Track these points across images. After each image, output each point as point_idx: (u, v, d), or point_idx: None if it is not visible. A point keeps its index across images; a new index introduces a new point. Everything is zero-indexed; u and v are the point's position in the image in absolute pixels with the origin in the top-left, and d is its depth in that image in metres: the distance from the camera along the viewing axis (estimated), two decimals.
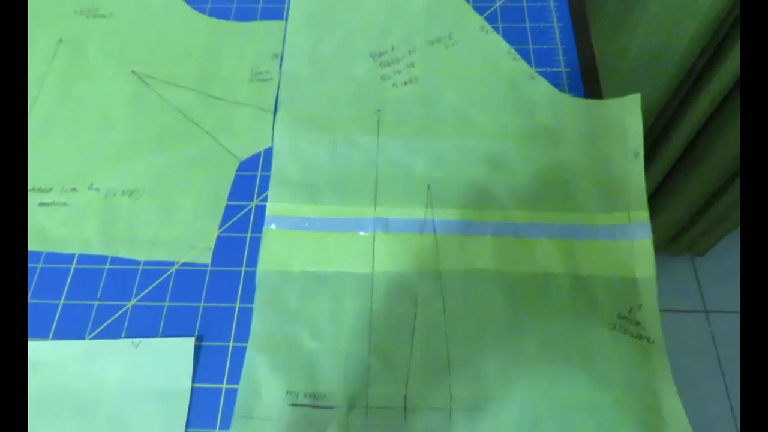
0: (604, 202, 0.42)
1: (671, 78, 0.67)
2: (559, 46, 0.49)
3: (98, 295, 0.40)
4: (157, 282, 0.41)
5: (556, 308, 0.38)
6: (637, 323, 0.38)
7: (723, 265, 1.14)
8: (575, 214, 0.41)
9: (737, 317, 1.11)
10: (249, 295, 0.40)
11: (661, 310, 0.37)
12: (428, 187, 0.43)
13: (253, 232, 0.42)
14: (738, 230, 1.00)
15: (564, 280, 0.39)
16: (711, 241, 1.03)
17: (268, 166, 0.45)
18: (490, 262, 0.40)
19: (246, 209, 0.43)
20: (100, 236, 0.42)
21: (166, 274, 0.41)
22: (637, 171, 0.42)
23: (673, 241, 1.04)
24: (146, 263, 0.41)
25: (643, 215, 0.41)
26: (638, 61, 0.68)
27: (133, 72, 0.49)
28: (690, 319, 1.10)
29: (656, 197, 0.93)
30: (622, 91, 0.45)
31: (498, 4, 0.52)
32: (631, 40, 0.67)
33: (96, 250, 0.42)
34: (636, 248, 0.40)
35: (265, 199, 0.43)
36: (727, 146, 0.74)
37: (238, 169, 0.45)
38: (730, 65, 0.62)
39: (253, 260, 0.41)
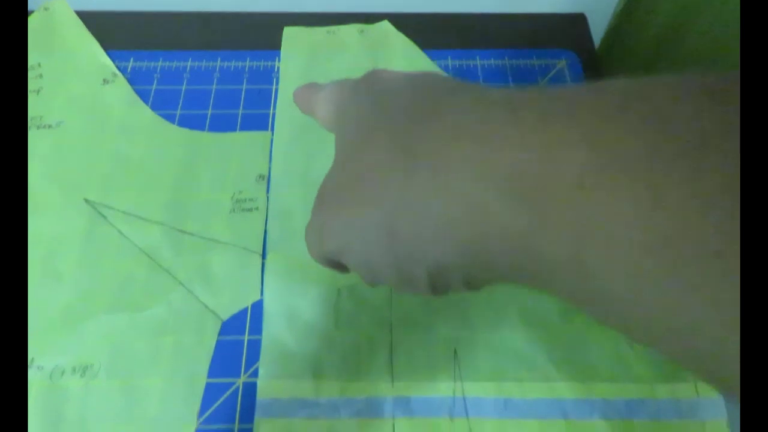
0: (663, 368, 0.35)
1: None
2: None
3: None
4: None
5: None
6: None
7: None
8: (632, 384, 0.35)
9: None
10: None
11: None
12: (455, 351, 0.36)
13: (241, 421, 0.34)
14: None
15: None
16: None
17: (257, 327, 0.36)
18: None
19: (232, 389, 0.35)
20: None
21: None
22: None
23: None
24: None
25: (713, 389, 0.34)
26: None
27: (86, 201, 0.41)
28: None
29: None
30: None
31: None
32: None
33: None
34: (708, 430, 0.33)
35: (255, 374, 0.35)
36: None
37: (220, 333, 0.36)
38: None
39: None
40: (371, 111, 0.20)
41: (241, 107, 0.46)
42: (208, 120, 0.45)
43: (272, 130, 0.44)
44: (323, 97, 0.25)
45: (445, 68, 0.48)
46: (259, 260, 0.39)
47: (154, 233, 0.39)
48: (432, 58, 0.48)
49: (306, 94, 0.27)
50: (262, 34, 0.50)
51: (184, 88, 0.47)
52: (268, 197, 0.41)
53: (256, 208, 0.41)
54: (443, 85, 0.20)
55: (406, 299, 0.37)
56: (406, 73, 0.22)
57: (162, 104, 0.46)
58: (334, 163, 0.22)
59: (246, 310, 0.37)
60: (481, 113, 0.17)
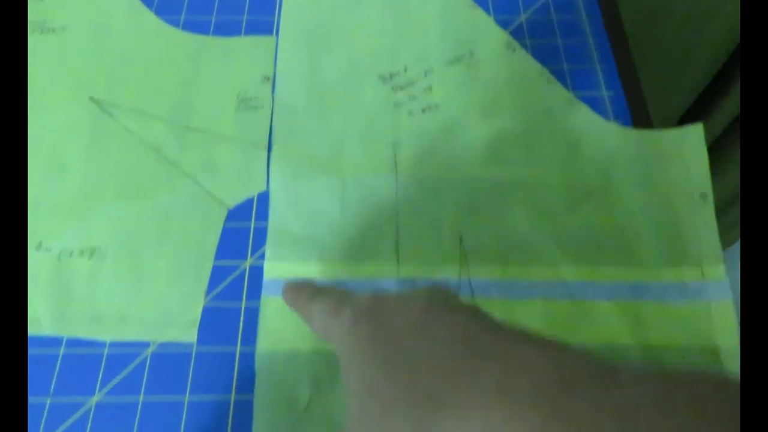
0: (670, 253, 0.35)
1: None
2: (598, 66, 0.43)
3: (51, 390, 0.31)
4: (127, 370, 0.32)
5: None
6: None
7: None
8: (638, 269, 0.35)
9: None
10: (247, 383, 0.32)
11: None
12: (460, 238, 0.36)
13: (248, 299, 0.34)
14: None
15: (633, 352, 0.32)
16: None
17: (263, 214, 0.37)
18: (543, 333, 0.33)
19: (239, 271, 0.35)
20: (52, 311, 0.33)
21: (139, 359, 0.32)
22: (707, 216, 0.36)
23: None
24: (113, 345, 0.33)
25: (719, 271, 0.34)
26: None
27: (91, 99, 0.41)
28: None
29: None
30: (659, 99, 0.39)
31: (523, 17, 0.45)
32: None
33: (47, 330, 0.33)
34: (714, 311, 0.33)
35: (262, 257, 0.35)
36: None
37: (227, 220, 0.36)
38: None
39: (250, 337, 0.33)
40: (383, 374, 0.19)
41: (245, 13, 0.45)
42: (212, 26, 0.45)
43: (277, 35, 0.44)
44: (318, 315, 0.23)
45: None
46: (265, 154, 0.39)
47: (160, 129, 0.39)
48: None
49: (297, 299, 0.25)
50: None
51: None
52: (273, 97, 0.41)
53: (262, 107, 0.41)
54: (459, 352, 0.18)
55: (413, 188, 0.37)
56: (414, 318, 0.20)
57: (165, 10, 0.45)
58: (350, 416, 0.20)
59: (252, 199, 0.37)
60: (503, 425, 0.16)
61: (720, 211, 0.77)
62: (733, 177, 0.68)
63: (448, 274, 0.35)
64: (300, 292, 0.25)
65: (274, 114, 0.40)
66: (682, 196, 0.36)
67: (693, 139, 0.37)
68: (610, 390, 0.15)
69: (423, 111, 0.40)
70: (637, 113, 0.41)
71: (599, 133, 0.39)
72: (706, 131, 0.38)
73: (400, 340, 0.19)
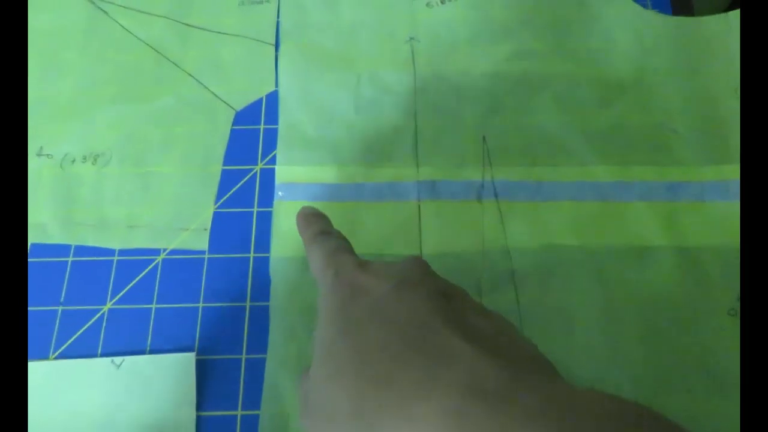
0: (710, 150, 0.33)
1: None
2: None
3: (61, 299, 0.31)
4: (139, 277, 0.31)
5: (661, 292, 0.30)
6: None
7: None
8: (674, 168, 0.32)
9: None
10: (262, 290, 0.31)
11: None
12: (483, 138, 0.33)
13: (260, 205, 0.32)
14: None
15: (667, 254, 0.31)
16: None
17: (273, 116, 0.34)
18: (571, 235, 0.31)
19: (249, 175, 0.33)
20: (57, 218, 0.32)
21: (150, 267, 0.31)
22: None
23: None
24: (122, 253, 0.31)
25: None
26: None
27: None
28: None
29: None
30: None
31: None
32: None
33: (54, 238, 0.32)
34: None
35: (272, 161, 0.33)
36: None
37: (235, 122, 0.34)
38: None
39: (263, 243, 0.32)
40: (341, 341, 0.19)
41: None
42: None
43: None
44: (312, 260, 0.24)
45: None
46: (272, 51, 0.36)
47: (158, 26, 0.37)
48: None
49: (304, 233, 0.25)
50: None
51: None
52: None
53: (267, 1, 0.37)
54: (412, 338, 0.18)
55: (432, 85, 0.34)
56: (381, 295, 0.20)
57: None
58: (313, 365, 0.20)
59: (261, 100, 0.35)
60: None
61: None
62: None
63: (470, 176, 0.32)
64: (307, 225, 0.25)
65: (281, 7, 0.37)
66: (725, 88, 0.33)
67: (737, 24, 0.34)
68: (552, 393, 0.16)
69: (442, 2, 0.37)
70: (679, 1, 0.37)
71: (636, 22, 0.36)
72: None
73: (362, 314, 0.20)
